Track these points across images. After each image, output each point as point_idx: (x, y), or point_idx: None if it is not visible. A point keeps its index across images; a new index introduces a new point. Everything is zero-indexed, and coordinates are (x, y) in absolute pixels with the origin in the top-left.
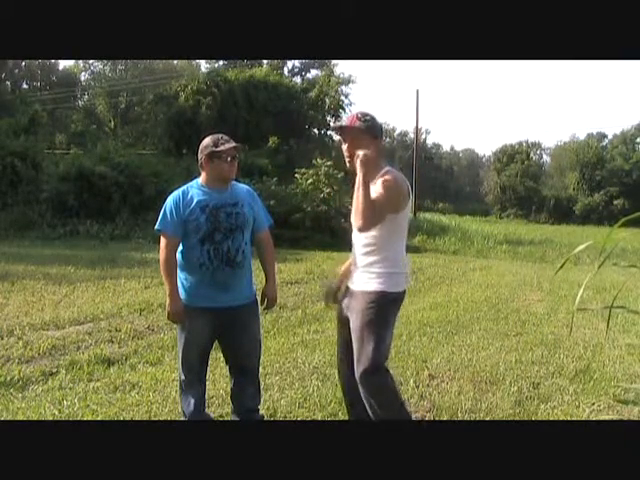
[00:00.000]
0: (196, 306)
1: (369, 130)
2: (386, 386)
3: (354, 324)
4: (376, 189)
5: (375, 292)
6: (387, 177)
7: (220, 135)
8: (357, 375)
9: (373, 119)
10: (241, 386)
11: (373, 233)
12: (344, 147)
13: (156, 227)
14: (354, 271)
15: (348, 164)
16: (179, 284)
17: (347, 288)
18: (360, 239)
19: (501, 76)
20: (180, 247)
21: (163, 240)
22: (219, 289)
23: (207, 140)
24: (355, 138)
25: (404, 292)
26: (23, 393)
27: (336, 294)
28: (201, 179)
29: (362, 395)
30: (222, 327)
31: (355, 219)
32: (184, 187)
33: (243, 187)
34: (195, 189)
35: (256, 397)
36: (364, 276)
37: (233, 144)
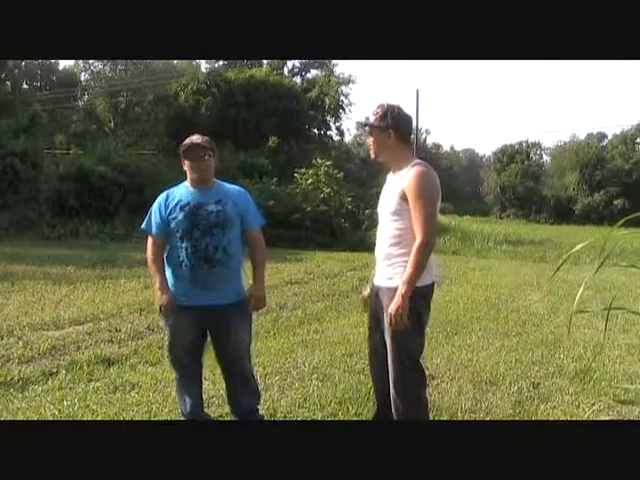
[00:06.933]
0: (179, 304)
1: (379, 123)
2: (419, 386)
3: (387, 323)
4: (409, 181)
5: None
6: (419, 167)
7: (194, 135)
8: (391, 374)
9: (385, 111)
10: (230, 387)
11: (400, 225)
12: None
13: (141, 227)
14: (378, 264)
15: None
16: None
17: (373, 285)
18: (386, 230)
19: (501, 76)
20: (167, 247)
21: (149, 239)
22: (199, 287)
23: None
24: (372, 133)
25: (433, 284)
26: (23, 393)
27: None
28: (187, 180)
29: (391, 393)
30: (208, 326)
31: (419, 235)
32: (172, 189)
33: (232, 186)
34: (180, 189)
35: (252, 397)
36: (389, 271)
37: (196, 141)
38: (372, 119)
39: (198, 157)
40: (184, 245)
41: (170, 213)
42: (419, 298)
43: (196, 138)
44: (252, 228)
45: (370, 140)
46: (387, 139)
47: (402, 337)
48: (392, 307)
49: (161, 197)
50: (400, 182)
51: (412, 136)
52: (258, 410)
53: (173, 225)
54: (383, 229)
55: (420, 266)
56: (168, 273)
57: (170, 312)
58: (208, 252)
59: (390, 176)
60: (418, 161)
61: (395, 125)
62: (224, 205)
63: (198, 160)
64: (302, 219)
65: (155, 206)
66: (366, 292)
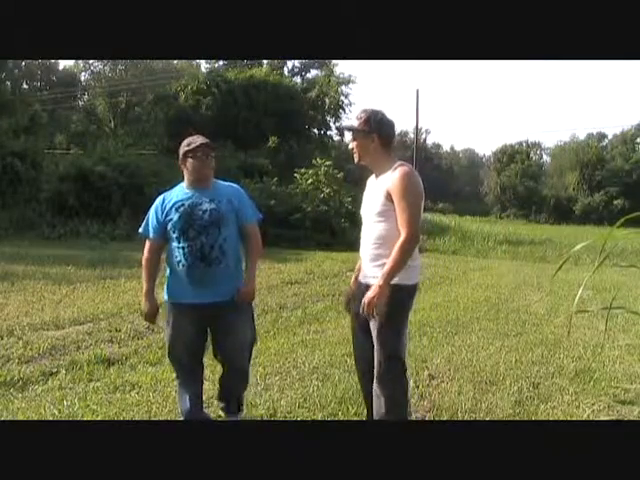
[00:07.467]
0: (178, 302)
1: (363, 127)
2: (401, 383)
3: (375, 319)
4: (394, 182)
5: (391, 286)
6: (404, 168)
7: (196, 136)
8: (376, 368)
9: (368, 116)
10: (225, 377)
11: (385, 226)
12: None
13: (139, 230)
14: (365, 265)
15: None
16: (166, 282)
17: (359, 283)
18: (371, 232)
19: (501, 76)
20: (167, 249)
21: (146, 242)
22: (196, 285)
23: (183, 142)
24: (355, 137)
25: (417, 284)
26: (23, 393)
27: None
28: (184, 181)
29: (374, 387)
30: (207, 324)
31: (404, 231)
32: (168, 191)
33: (226, 184)
34: (176, 191)
35: (242, 389)
36: (377, 270)
37: (202, 141)
38: (356, 124)
39: (204, 157)
40: (181, 245)
41: (167, 215)
42: (406, 295)
43: (202, 139)
44: (247, 223)
45: (353, 144)
46: (370, 143)
47: (389, 333)
48: (367, 296)
49: (158, 200)
50: (385, 183)
51: (395, 140)
52: (243, 398)
53: (170, 226)
54: (368, 231)
55: (401, 262)
56: (169, 273)
57: (152, 321)
58: (204, 251)
59: (372, 180)
60: (402, 162)
61: (378, 129)
62: (218, 203)
63: (203, 160)
64: (302, 219)
65: (152, 210)
66: (349, 292)
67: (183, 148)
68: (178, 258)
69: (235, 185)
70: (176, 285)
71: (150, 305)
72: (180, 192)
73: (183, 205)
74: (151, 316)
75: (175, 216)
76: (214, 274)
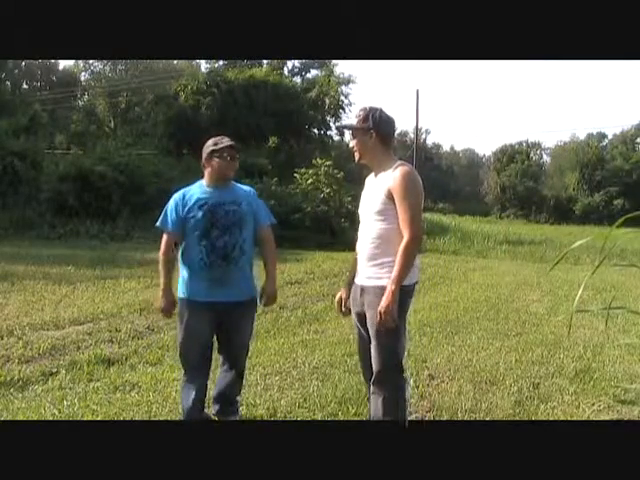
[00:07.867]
0: (195, 300)
1: (362, 125)
2: (399, 384)
3: (372, 320)
4: (395, 181)
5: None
6: (404, 168)
7: (221, 137)
8: (375, 370)
9: (367, 113)
10: (223, 376)
11: (385, 225)
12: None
13: (157, 224)
14: (361, 264)
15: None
16: (181, 280)
17: (355, 285)
18: (370, 230)
19: (501, 76)
20: (183, 245)
21: (164, 236)
22: (216, 284)
23: (209, 141)
24: (355, 135)
25: (416, 284)
26: (23, 393)
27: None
28: (204, 179)
29: (372, 389)
30: (220, 321)
31: (406, 232)
32: (188, 187)
33: (245, 187)
34: (197, 189)
35: (237, 392)
36: (375, 270)
37: (229, 142)
38: (354, 122)
39: (229, 158)
40: (202, 243)
41: (189, 212)
42: (405, 296)
43: (228, 140)
44: (262, 226)
45: (353, 142)
46: (369, 140)
47: (388, 335)
48: (382, 305)
49: (177, 196)
50: (385, 182)
51: (394, 138)
52: (238, 402)
53: (192, 223)
54: (367, 229)
55: (409, 263)
56: (185, 270)
57: (168, 315)
58: (227, 250)
59: (371, 178)
60: (402, 162)
61: (376, 126)
62: (239, 204)
63: (229, 161)
64: (302, 219)
65: (171, 204)
66: (342, 294)
67: (209, 147)
68: (200, 256)
69: (251, 188)
70: (193, 283)
71: (167, 300)
72: (201, 190)
73: (206, 203)
74: (167, 311)
75: (199, 214)
76: (233, 273)
